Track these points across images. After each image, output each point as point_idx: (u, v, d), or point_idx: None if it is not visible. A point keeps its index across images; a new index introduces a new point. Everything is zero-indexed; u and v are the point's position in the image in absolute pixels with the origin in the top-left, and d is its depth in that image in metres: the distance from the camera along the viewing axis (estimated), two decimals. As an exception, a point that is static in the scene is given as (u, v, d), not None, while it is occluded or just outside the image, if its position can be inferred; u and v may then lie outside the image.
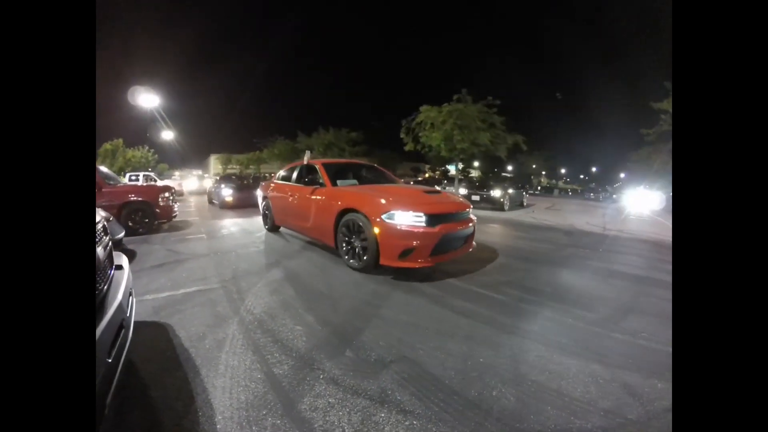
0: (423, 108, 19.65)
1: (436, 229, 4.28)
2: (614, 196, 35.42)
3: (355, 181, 6.33)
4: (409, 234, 4.18)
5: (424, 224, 4.24)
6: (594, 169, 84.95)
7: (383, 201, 4.54)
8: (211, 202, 16.71)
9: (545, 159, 60.86)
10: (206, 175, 31.81)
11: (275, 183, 7.67)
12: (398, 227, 4.22)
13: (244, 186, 15.00)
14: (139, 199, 7.52)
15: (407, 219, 4.24)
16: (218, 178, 18.01)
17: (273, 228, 7.80)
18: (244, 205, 13.82)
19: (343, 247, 4.93)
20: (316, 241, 6.41)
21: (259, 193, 8.57)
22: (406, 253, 4.20)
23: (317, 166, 6.23)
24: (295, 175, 7.02)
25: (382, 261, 4.35)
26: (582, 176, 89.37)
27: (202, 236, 7.42)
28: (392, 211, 4.30)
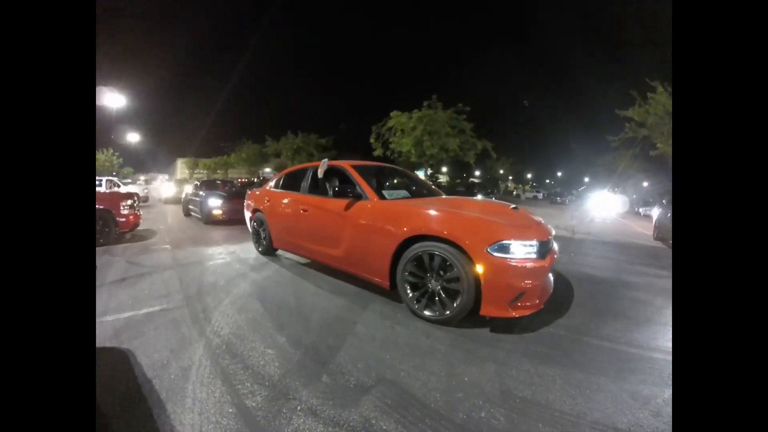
0: (393, 113, 19.81)
1: (546, 261, 3.21)
2: (573, 199, 36.45)
3: (406, 193, 4.87)
4: (523, 271, 3.02)
5: (535, 255, 3.10)
6: (559, 174, 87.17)
7: (486, 225, 3.27)
8: (188, 214, 12.88)
9: (512, 164, 61.87)
10: (168, 180, 30.43)
11: (273, 192, 6.08)
12: (511, 263, 2.99)
13: (235, 194, 11.43)
14: (100, 207, 7.03)
15: (521, 251, 3.05)
16: (198, 183, 13.74)
17: (269, 251, 6.07)
18: (236, 218, 9.91)
19: (407, 290, 3.49)
20: (344, 272, 4.52)
21: (248, 205, 6.75)
22: (518, 298, 3.02)
23: (347, 170, 4.61)
24: (305, 181, 5.32)
25: (486, 310, 3.04)
26: (548, 181, 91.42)
27: (166, 247, 7.07)
28: (504, 241, 3.03)
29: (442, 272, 3.25)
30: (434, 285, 3.32)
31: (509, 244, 3.01)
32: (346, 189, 4.25)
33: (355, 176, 4.44)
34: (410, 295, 3.47)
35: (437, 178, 49.58)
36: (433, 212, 3.62)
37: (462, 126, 19.18)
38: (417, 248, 3.38)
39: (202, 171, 54.95)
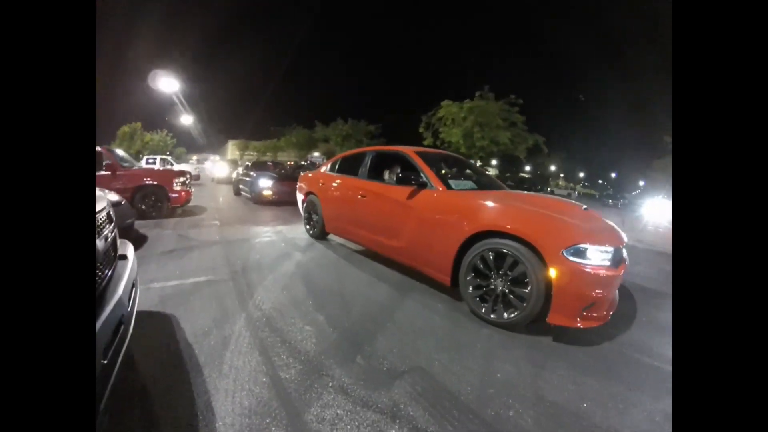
0: (444, 103, 19.60)
1: (619, 270, 2.86)
2: (626, 203, 34.91)
3: (473, 184, 4.59)
4: (596, 279, 2.72)
5: (609, 263, 2.79)
6: (613, 175, 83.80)
7: (563, 226, 2.98)
8: (238, 193, 13.40)
9: (564, 161, 60.07)
10: (221, 160, 31.34)
11: (328, 175, 5.83)
12: (586, 269, 2.70)
13: (285, 176, 11.63)
14: (154, 183, 7.46)
15: (597, 257, 2.76)
16: (249, 164, 14.34)
17: (321, 235, 5.96)
18: (285, 200, 10.55)
19: (470, 289, 3.25)
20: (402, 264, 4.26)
21: (300, 187, 6.59)
22: (587, 308, 2.75)
23: (410, 156, 4.34)
24: (364, 167, 5.05)
25: (553, 318, 2.80)
26: (600, 181, 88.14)
27: (215, 222, 7.33)
28: (581, 245, 2.74)
29: (509, 273, 2.99)
30: (500, 286, 3.06)
31: (586, 249, 2.74)
32: (410, 176, 3.98)
33: (420, 163, 4.17)
34: (473, 294, 3.23)
35: (486, 171, 48.88)
36: (505, 207, 3.32)
37: (514, 119, 18.74)
38: (485, 245, 3.12)
39: (252, 153, 56.40)
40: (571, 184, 69.24)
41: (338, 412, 1.89)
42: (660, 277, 5.59)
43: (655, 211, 23.36)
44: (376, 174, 4.96)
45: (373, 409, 1.93)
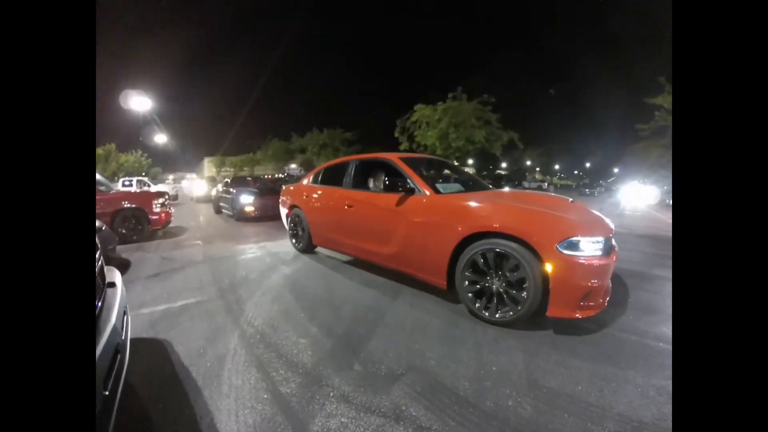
0: (418, 107, 19.77)
1: (611, 258, 2.97)
2: (602, 191, 35.58)
3: (459, 186, 4.51)
4: (590, 269, 2.80)
5: (601, 253, 2.87)
6: (588, 165, 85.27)
7: (554, 220, 3.09)
8: (219, 211, 13.17)
9: (539, 155, 60.98)
10: (199, 178, 30.82)
11: (312, 187, 5.77)
12: (580, 260, 2.78)
13: (267, 190, 11.17)
14: (133, 205, 7.33)
15: (589, 248, 2.84)
16: (228, 181, 13.95)
17: (308, 248, 5.87)
18: (267, 215, 10.35)
19: (467, 291, 3.25)
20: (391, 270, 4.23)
21: (284, 201, 6.53)
22: (584, 298, 2.83)
23: (395, 163, 4.30)
24: (348, 176, 4.99)
25: (552, 311, 2.84)
26: (576, 172, 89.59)
27: (197, 243, 7.26)
28: (574, 237, 2.82)
29: (506, 271, 3.01)
30: (497, 285, 3.08)
31: (578, 241, 2.81)
32: (397, 183, 3.94)
33: (405, 169, 4.11)
34: (470, 295, 3.22)
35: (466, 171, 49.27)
36: (496, 207, 3.35)
37: (487, 117, 18.97)
38: (479, 246, 3.12)
39: (228, 169, 55.92)
40: (548, 177, 70.18)
41: (342, 420, 1.91)
42: (642, 259, 5.75)
43: (630, 195, 23.89)
44: (360, 183, 4.91)
45: (377, 414, 1.96)
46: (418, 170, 4.18)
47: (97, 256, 1.95)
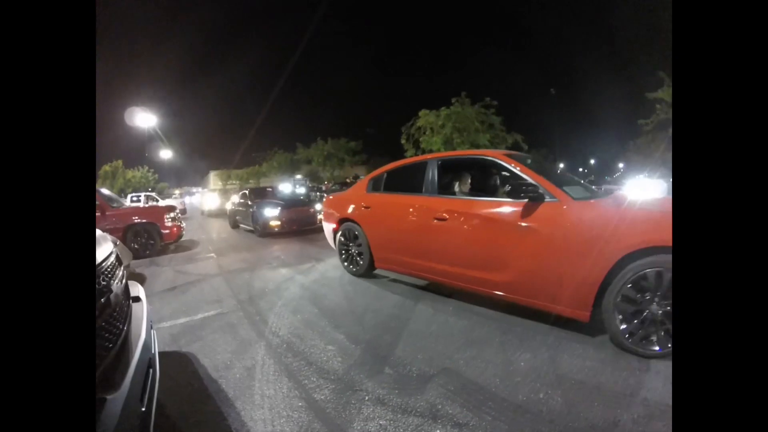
0: (422, 113, 19.77)
1: None
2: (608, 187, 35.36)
3: (583, 189, 3.52)
4: None
5: None
6: (592, 162, 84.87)
7: None
8: (236, 226, 11.99)
9: (544, 155, 60.78)
10: (203, 192, 30.76)
11: (371, 196, 4.70)
12: None
13: (294, 202, 10.08)
14: (144, 220, 7.36)
15: None
16: (246, 192, 11.95)
17: (367, 271, 4.71)
18: (293, 229, 9.24)
19: (618, 319, 2.56)
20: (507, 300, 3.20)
21: (329, 214, 5.34)
22: None
23: (502, 161, 3.40)
24: (428, 180, 3.94)
25: None
26: (581, 169, 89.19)
27: (211, 255, 7.25)
28: None
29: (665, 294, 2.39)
30: (655, 310, 2.45)
31: None
32: (521, 188, 3.02)
33: (522, 169, 3.21)
34: (623, 326, 2.54)
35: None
36: (659, 216, 2.50)
37: (491, 120, 18.95)
38: (640, 265, 2.43)
39: (234, 182, 56.11)
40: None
41: (381, 422, 1.89)
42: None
43: (636, 190, 23.75)
44: (447, 188, 4.00)
45: (414, 414, 1.95)
46: (537, 170, 3.23)
47: (120, 272, 1.91)
